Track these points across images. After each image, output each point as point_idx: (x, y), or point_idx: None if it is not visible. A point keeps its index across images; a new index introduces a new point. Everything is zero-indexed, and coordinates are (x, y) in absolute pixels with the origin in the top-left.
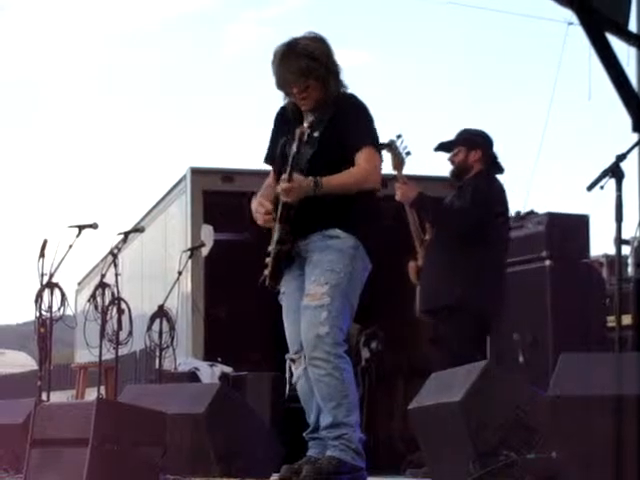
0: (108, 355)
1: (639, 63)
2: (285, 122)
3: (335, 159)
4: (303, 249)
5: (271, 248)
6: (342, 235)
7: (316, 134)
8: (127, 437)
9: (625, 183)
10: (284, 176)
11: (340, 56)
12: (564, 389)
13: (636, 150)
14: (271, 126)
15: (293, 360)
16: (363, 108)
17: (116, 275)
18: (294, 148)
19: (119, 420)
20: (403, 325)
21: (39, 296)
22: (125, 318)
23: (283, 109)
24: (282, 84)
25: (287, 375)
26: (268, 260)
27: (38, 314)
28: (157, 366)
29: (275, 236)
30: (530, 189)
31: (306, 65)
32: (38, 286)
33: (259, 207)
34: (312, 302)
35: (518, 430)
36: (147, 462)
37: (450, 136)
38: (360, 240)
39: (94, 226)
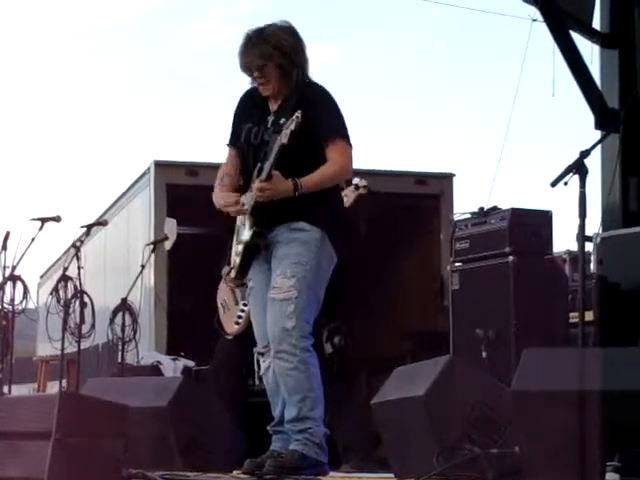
0: (70, 348)
1: (602, 61)
2: (249, 106)
3: (303, 146)
4: (269, 242)
5: (240, 240)
6: (308, 228)
7: (282, 120)
8: (90, 430)
9: (588, 179)
10: (262, 175)
11: (310, 52)
12: (527, 384)
13: (599, 146)
14: (234, 108)
15: (262, 354)
16: (330, 98)
17: (79, 268)
18: (276, 147)
19: (82, 413)
20: (366, 320)
21: (1, 288)
22: (88, 311)
23: (248, 93)
24: (243, 65)
25: (255, 368)
26: (235, 253)
27: (0, 307)
28: (119, 359)
29: (247, 229)
30: (493, 185)
31: (268, 50)
32: (0, 278)
33: (227, 199)
34: (278, 295)
35: (481, 425)
36: (110, 455)
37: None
38: (326, 232)
39: (57, 219)
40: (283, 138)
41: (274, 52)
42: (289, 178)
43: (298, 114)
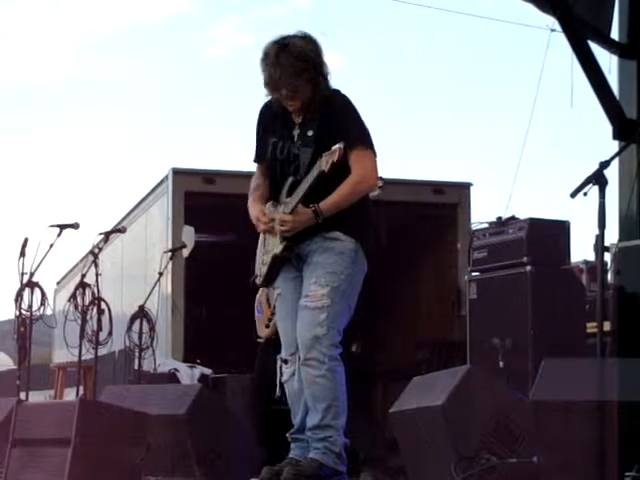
0: (87, 355)
1: (620, 71)
2: (270, 119)
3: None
4: (302, 251)
5: (268, 250)
6: (342, 237)
7: (310, 133)
8: (109, 437)
9: (606, 190)
10: (287, 204)
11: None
12: (546, 394)
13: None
14: (255, 123)
15: (286, 361)
16: (353, 108)
17: (97, 275)
18: (315, 173)
19: (101, 420)
20: (384, 328)
21: (19, 295)
22: (105, 318)
23: (267, 105)
24: (272, 84)
25: (278, 375)
26: (261, 261)
27: (18, 313)
28: (136, 366)
29: (278, 240)
30: (512, 194)
31: (298, 67)
32: (18, 285)
33: (261, 216)
34: (311, 303)
35: (499, 434)
36: (128, 463)
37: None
38: (360, 243)
39: (75, 226)
40: (324, 165)
41: (304, 67)
42: (309, 205)
43: (341, 145)
